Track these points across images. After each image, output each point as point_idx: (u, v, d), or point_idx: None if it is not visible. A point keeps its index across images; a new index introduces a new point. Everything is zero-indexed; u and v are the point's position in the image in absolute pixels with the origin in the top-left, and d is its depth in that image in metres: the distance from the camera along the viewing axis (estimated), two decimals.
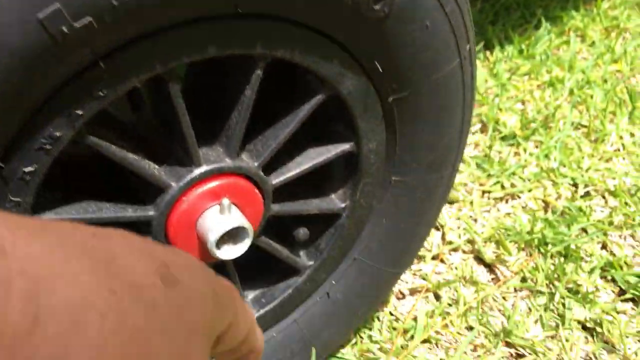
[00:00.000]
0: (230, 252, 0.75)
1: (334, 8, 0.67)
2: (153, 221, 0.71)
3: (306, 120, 0.77)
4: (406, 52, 0.75)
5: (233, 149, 0.73)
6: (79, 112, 0.59)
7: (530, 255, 1.27)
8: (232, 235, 0.74)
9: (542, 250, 1.28)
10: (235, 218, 0.73)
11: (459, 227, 1.34)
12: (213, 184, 0.73)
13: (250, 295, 0.91)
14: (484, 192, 1.47)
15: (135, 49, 0.59)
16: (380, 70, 0.76)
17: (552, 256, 1.27)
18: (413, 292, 1.19)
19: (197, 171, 0.71)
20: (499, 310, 1.17)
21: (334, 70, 0.74)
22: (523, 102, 1.83)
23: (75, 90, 0.58)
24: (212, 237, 0.71)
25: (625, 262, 1.29)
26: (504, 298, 1.20)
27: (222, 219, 0.72)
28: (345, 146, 0.83)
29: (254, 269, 0.92)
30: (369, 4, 0.68)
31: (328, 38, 0.71)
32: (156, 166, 0.71)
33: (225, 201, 0.72)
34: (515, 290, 1.22)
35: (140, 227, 0.72)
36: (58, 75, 0.55)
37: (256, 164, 0.76)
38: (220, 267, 0.82)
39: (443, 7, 0.74)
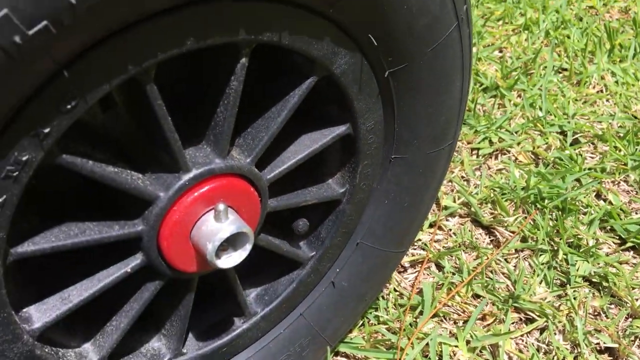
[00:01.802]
0: (231, 259, 0.68)
1: None
2: (143, 236, 0.64)
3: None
4: (401, 21, 0.68)
5: (222, 147, 0.66)
6: (46, 130, 0.51)
7: (528, 213, 1.24)
8: (232, 242, 0.67)
9: (539, 206, 1.25)
10: (233, 223, 0.66)
11: (452, 191, 1.30)
12: (205, 189, 0.65)
13: (253, 293, 0.85)
14: (472, 149, 1.42)
15: (103, 51, 0.50)
16: (375, 43, 0.69)
17: (550, 211, 1.24)
18: (414, 263, 1.15)
19: (186, 177, 0.64)
20: (503, 274, 1.14)
21: (325, 49, 0.66)
22: (501, 50, 1.78)
23: (38, 107, 0.49)
24: (211, 246, 0.65)
25: (622, 210, 1.27)
26: (506, 260, 1.17)
27: (220, 226, 0.65)
28: (342, 128, 0.76)
29: (253, 266, 0.86)
30: None
31: (319, 14, 0.63)
32: (140, 176, 0.63)
33: (221, 206, 0.65)
34: (517, 251, 1.19)
35: (129, 243, 0.65)
36: (17, 92, 0.47)
37: (248, 160, 0.69)
38: (220, 271, 0.76)
39: None
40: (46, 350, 0.64)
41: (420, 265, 1.14)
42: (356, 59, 0.69)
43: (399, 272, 1.13)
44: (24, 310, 0.62)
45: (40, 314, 0.62)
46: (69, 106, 0.51)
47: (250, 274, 0.85)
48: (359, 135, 0.77)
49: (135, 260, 0.66)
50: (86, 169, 0.57)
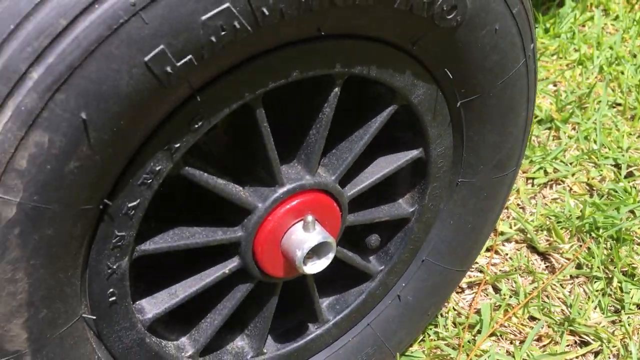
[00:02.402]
0: (315, 266, 0.76)
1: (411, 22, 0.67)
2: (241, 242, 0.72)
3: None
4: (475, 57, 0.75)
5: (312, 165, 0.74)
6: (177, 145, 0.60)
7: (583, 241, 1.28)
8: (316, 251, 0.75)
9: (594, 235, 1.29)
10: (320, 234, 0.74)
11: (508, 217, 1.35)
12: (296, 202, 0.74)
13: (325, 302, 0.93)
14: (527, 178, 1.47)
15: (228, 80, 0.60)
16: (450, 76, 0.76)
17: (604, 240, 1.28)
18: (471, 285, 1.20)
19: (281, 190, 0.72)
20: (559, 299, 1.18)
21: (406, 81, 0.74)
22: (555, 84, 1.83)
23: (174, 125, 0.59)
24: (300, 254, 0.73)
25: None
26: (561, 286, 1.21)
27: (308, 236, 0.73)
28: (415, 152, 0.84)
29: (327, 276, 0.93)
30: (442, 14, 0.68)
31: (402, 51, 0.71)
32: (240, 188, 0.72)
33: (310, 217, 0.73)
34: (572, 277, 1.23)
35: (228, 247, 0.73)
36: (160, 112, 0.57)
37: (333, 177, 0.77)
38: (300, 278, 0.83)
39: (510, 9, 0.74)
40: (153, 339, 0.73)
41: (477, 287, 1.19)
42: (432, 90, 0.77)
43: (457, 292, 1.19)
44: (138, 302, 0.71)
45: (152, 306, 0.71)
46: (196, 125, 0.60)
47: (324, 284, 0.92)
48: (430, 159, 0.84)
49: (233, 263, 0.74)
50: (203, 180, 0.66)
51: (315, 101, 0.71)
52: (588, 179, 1.47)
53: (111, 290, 0.64)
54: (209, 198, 0.72)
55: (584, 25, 2.12)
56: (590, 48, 1.98)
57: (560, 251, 1.27)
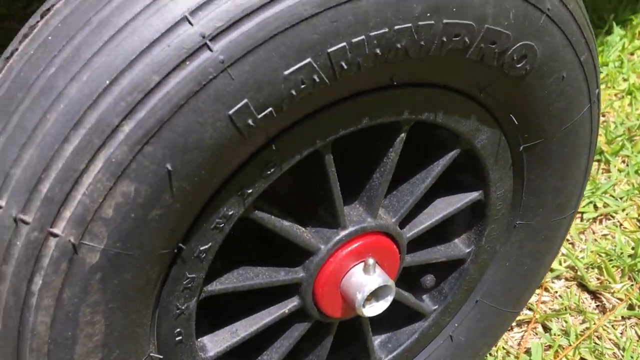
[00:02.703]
0: (374, 309, 0.76)
1: (481, 71, 0.67)
2: (302, 283, 0.73)
3: None
4: (541, 104, 0.75)
5: (374, 208, 0.74)
6: (250, 190, 0.61)
7: (635, 281, 1.25)
8: (376, 293, 0.75)
9: None
10: (380, 276, 0.74)
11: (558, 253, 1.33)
12: (357, 244, 0.74)
13: (377, 340, 0.92)
14: (576, 213, 1.45)
15: (301, 129, 0.60)
16: (515, 122, 0.76)
17: None
18: (520, 323, 1.18)
19: (343, 233, 0.73)
20: (610, 340, 1.15)
21: (471, 126, 0.74)
22: (603, 114, 1.80)
23: (248, 172, 0.60)
24: (360, 296, 0.73)
25: None
26: (613, 327, 1.18)
27: (368, 279, 0.73)
28: (474, 195, 0.83)
29: (380, 314, 0.93)
30: (512, 63, 0.68)
31: (469, 98, 0.71)
32: (303, 229, 0.72)
33: (371, 260, 0.73)
34: (623, 318, 1.20)
35: (289, 287, 0.74)
36: (237, 161, 0.58)
37: (393, 220, 0.77)
38: (355, 317, 0.83)
39: (578, 57, 0.74)
40: None
41: (527, 325, 1.17)
42: (496, 134, 0.77)
43: (506, 330, 1.17)
44: (200, 340, 0.72)
45: (213, 344, 0.72)
46: (268, 172, 0.61)
47: (377, 322, 0.92)
48: (489, 202, 0.84)
49: (292, 303, 0.74)
50: (270, 223, 0.67)
51: (381, 146, 0.72)
52: (639, 215, 1.43)
53: (178, 329, 0.65)
54: (273, 240, 0.73)
55: (632, 54, 2.08)
56: (639, 78, 1.95)
57: (612, 290, 1.24)
